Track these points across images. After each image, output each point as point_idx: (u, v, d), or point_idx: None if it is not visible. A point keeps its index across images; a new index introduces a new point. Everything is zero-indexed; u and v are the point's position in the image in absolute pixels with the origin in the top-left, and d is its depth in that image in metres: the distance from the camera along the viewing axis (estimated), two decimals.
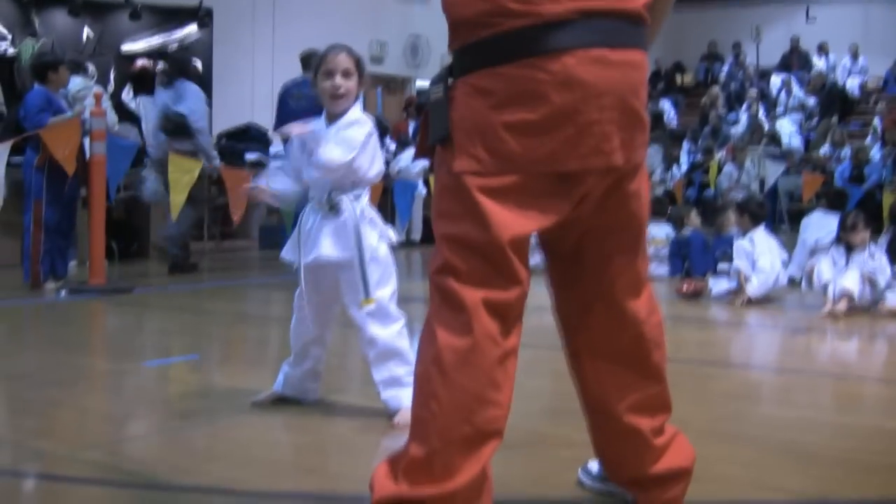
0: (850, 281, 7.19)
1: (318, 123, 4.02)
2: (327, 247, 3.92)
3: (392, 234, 4.06)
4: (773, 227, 15.05)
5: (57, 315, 7.34)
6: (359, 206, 3.95)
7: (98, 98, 8.48)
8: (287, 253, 4.09)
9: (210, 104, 13.90)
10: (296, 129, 3.98)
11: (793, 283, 8.60)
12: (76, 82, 10.01)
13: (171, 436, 3.82)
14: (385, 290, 3.96)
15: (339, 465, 3.49)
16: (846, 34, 22.28)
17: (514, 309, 2.38)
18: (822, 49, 22.50)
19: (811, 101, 20.98)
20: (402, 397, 3.85)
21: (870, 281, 7.31)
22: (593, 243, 2.56)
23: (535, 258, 2.57)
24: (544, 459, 3.39)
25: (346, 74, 3.93)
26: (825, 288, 7.37)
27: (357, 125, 3.94)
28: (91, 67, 12.75)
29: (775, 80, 21.81)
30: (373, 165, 4.01)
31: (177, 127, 9.51)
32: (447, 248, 2.36)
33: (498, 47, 2.30)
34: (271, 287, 9.08)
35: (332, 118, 3.99)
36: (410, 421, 2.37)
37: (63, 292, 8.10)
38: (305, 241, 3.98)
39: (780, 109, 20.94)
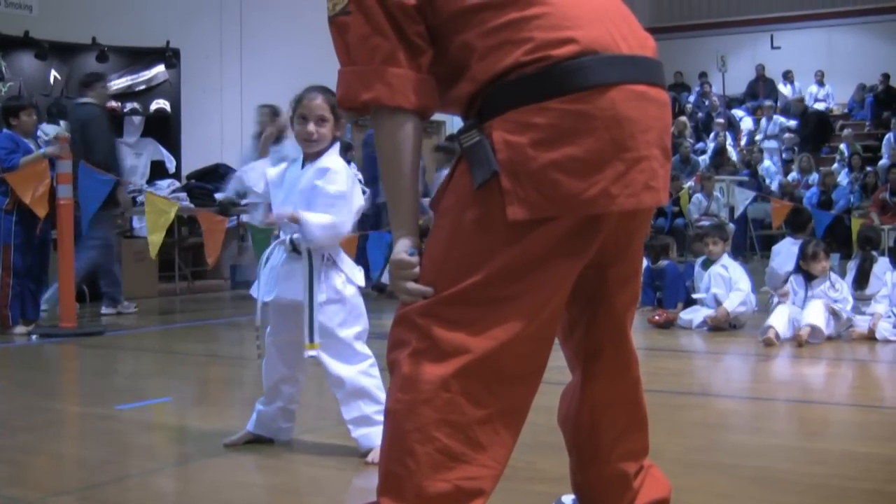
0: (815, 317, 7.22)
1: (290, 163, 4.06)
2: (285, 288, 3.97)
3: (359, 277, 4.08)
4: (745, 255, 15.19)
5: (28, 359, 7.28)
6: (320, 249, 3.97)
7: (63, 141, 8.43)
8: (253, 289, 4.12)
9: (179, 144, 13.94)
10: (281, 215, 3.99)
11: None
12: (57, 128, 10.01)
13: (144, 480, 3.79)
14: (350, 331, 3.98)
15: None
16: (811, 61, 22.50)
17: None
18: (788, 76, 22.70)
19: (793, 123, 21.11)
20: (373, 436, 3.84)
21: (833, 312, 7.36)
22: (612, 290, 2.52)
23: None
24: (518, 494, 3.39)
25: (320, 121, 3.95)
26: (774, 310, 7.44)
27: (334, 176, 3.95)
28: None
29: (739, 113, 21.98)
30: (355, 210, 4.06)
31: None
32: (458, 299, 2.24)
33: (543, 82, 2.20)
34: (244, 326, 9.04)
35: (309, 159, 4.02)
36: (381, 473, 2.30)
37: (34, 336, 8.05)
38: (268, 279, 4.01)
39: (759, 136, 21.04)
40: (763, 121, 21.32)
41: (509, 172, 2.20)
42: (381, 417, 3.69)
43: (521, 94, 2.21)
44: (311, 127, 3.94)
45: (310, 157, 4.02)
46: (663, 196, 2.34)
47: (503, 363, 2.26)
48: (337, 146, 4.06)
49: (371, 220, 11.13)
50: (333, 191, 3.91)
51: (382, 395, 3.83)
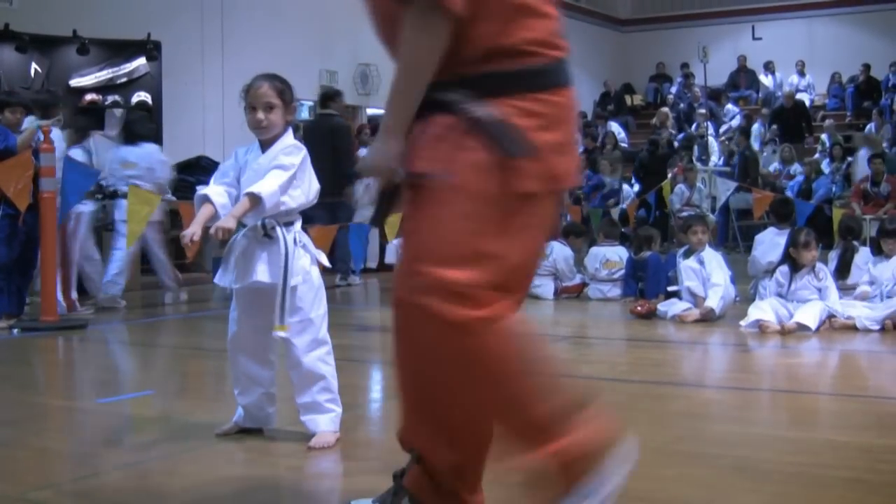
0: (807, 317, 7.25)
1: (252, 151, 4.10)
2: (261, 272, 4.01)
3: (323, 259, 4.16)
4: (727, 245, 15.23)
5: (9, 353, 7.26)
6: (292, 232, 4.04)
7: (46, 133, 8.35)
8: (220, 278, 4.16)
9: (161, 137, 13.90)
10: None
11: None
12: (30, 120, 9.97)
13: (125, 473, 3.79)
14: (317, 312, 4.09)
15: (298, 499, 3.48)
16: (791, 52, 22.55)
17: None
18: (769, 67, 22.75)
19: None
20: (319, 422, 4.04)
21: (830, 315, 7.42)
22: None
23: None
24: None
25: (267, 108, 4.01)
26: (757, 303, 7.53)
27: (292, 151, 4.03)
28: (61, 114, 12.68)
29: (732, 108, 21.94)
30: (310, 191, 4.11)
31: None
32: (485, 263, 2.45)
33: (543, 75, 2.54)
34: (225, 319, 9.01)
35: (264, 146, 4.08)
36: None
37: (15, 330, 8.01)
38: (239, 266, 4.06)
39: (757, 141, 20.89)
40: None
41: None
42: (331, 406, 3.97)
43: (524, 83, 2.52)
44: (260, 115, 4.00)
45: (266, 143, 4.07)
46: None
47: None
48: (290, 131, 4.13)
49: None
50: (287, 162, 3.99)
51: (335, 384, 4.07)
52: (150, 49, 14.04)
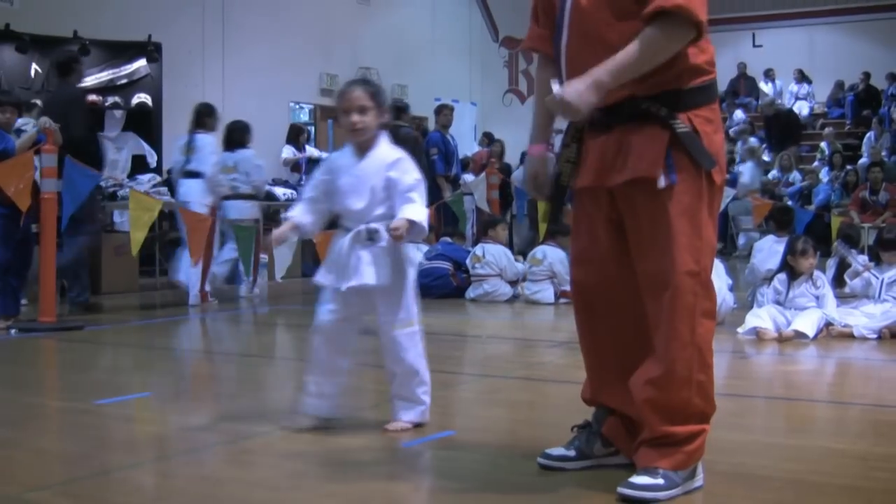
0: (805, 325, 7.24)
1: (346, 156, 4.25)
2: (370, 274, 4.13)
3: (419, 255, 4.29)
4: (725, 252, 15.22)
5: (6, 353, 7.25)
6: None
7: (50, 134, 8.32)
8: (323, 277, 4.26)
9: (160, 139, 13.91)
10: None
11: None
12: (25, 120, 9.97)
13: (123, 475, 3.79)
14: (415, 309, 4.26)
15: (292, 502, 3.47)
16: (792, 59, 22.55)
17: None
18: (769, 75, 22.76)
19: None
20: (414, 412, 4.23)
21: (828, 323, 7.42)
22: None
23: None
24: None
25: (361, 111, 4.13)
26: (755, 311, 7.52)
27: (409, 169, 4.19)
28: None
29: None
30: None
31: None
32: (710, 252, 3.33)
33: (713, 89, 3.33)
34: (223, 321, 9.03)
35: (361, 150, 4.21)
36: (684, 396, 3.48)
37: (13, 330, 8.01)
38: (345, 267, 4.16)
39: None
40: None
41: (714, 151, 3.26)
42: (426, 397, 4.19)
43: (704, 96, 3.29)
44: (355, 117, 4.13)
45: (361, 147, 4.20)
46: None
47: None
48: (385, 134, 4.25)
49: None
50: (413, 180, 4.16)
51: (428, 376, 4.28)
52: (151, 50, 14.06)
